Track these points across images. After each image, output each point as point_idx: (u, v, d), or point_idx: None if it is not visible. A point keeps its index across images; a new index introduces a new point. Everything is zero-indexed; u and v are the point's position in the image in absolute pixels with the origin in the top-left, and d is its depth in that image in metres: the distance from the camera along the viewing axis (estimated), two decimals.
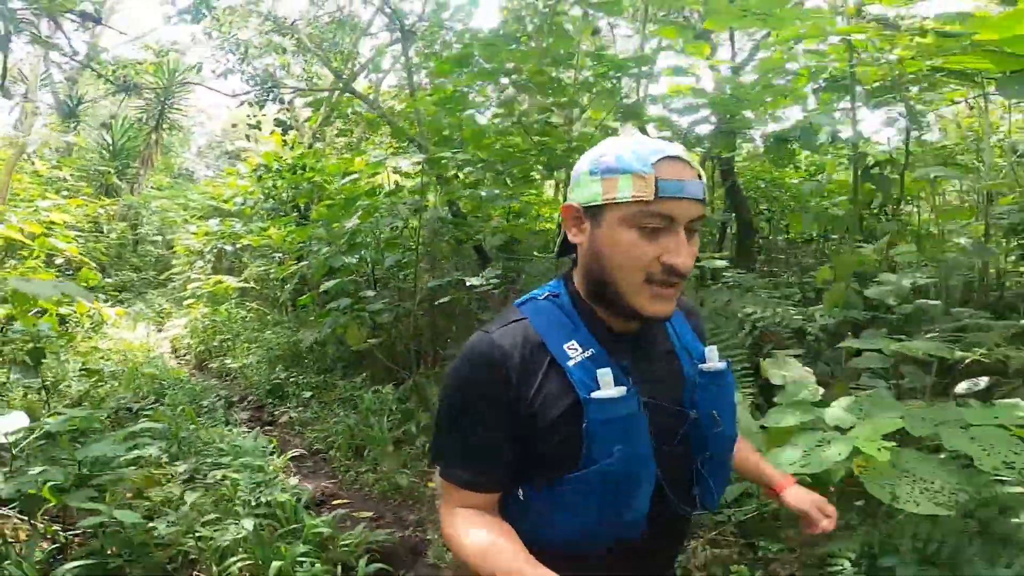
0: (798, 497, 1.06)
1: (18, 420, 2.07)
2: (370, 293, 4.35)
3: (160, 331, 7.80)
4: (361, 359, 4.79)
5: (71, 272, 6.53)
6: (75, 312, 4.87)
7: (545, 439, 0.85)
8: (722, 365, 0.96)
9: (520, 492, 0.91)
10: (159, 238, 13.60)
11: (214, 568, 2.11)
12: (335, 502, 2.92)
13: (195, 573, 2.19)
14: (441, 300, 4.15)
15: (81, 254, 5.77)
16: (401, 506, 2.98)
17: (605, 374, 0.84)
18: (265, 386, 4.85)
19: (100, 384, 4.28)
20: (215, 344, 6.33)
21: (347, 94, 4.97)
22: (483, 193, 4.05)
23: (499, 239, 4.30)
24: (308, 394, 4.55)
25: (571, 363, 0.86)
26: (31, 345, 3.22)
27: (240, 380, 5.31)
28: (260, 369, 5.25)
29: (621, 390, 0.84)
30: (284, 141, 5.90)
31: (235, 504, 2.45)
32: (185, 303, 7.95)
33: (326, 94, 5.32)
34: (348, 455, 3.51)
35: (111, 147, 14.33)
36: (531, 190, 4.56)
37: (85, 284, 4.58)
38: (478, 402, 0.87)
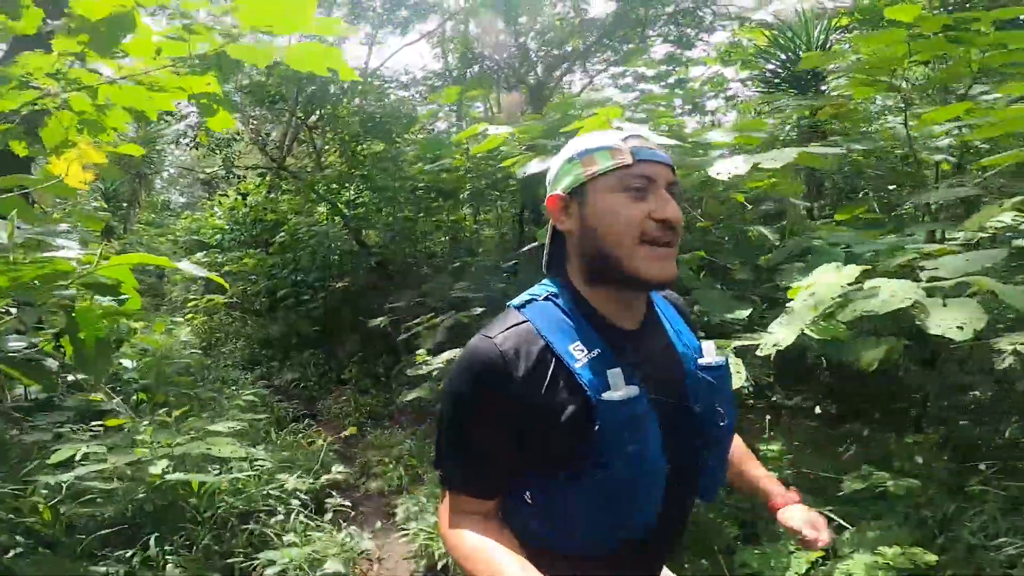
0: (792, 516, 1.00)
1: None
2: (305, 298, 7.09)
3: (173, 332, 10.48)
4: (310, 340, 7.54)
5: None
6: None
7: (556, 443, 0.85)
8: (720, 359, 0.96)
9: (528, 495, 0.90)
10: (151, 267, 16.07)
11: None
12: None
13: None
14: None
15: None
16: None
17: (616, 375, 0.84)
18: (252, 356, 7.62)
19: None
20: (213, 341, 9.04)
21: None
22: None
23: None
24: (275, 363, 7.30)
25: (578, 364, 0.85)
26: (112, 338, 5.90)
27: (233, 359, 8.05)
28: (244, 352, 7.99)
29: (633, 390, 0.83)
30: (245, 201, 8.59)
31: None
32: (186, 316, 10.64)
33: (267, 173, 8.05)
34: (310, 387, 6.28)
35: (104, 191, 16.75)
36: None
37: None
38: (483, 408, 0.87)
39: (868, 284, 1.69)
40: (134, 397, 3.14)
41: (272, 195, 8.77)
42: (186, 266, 1.33)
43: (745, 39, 6.85)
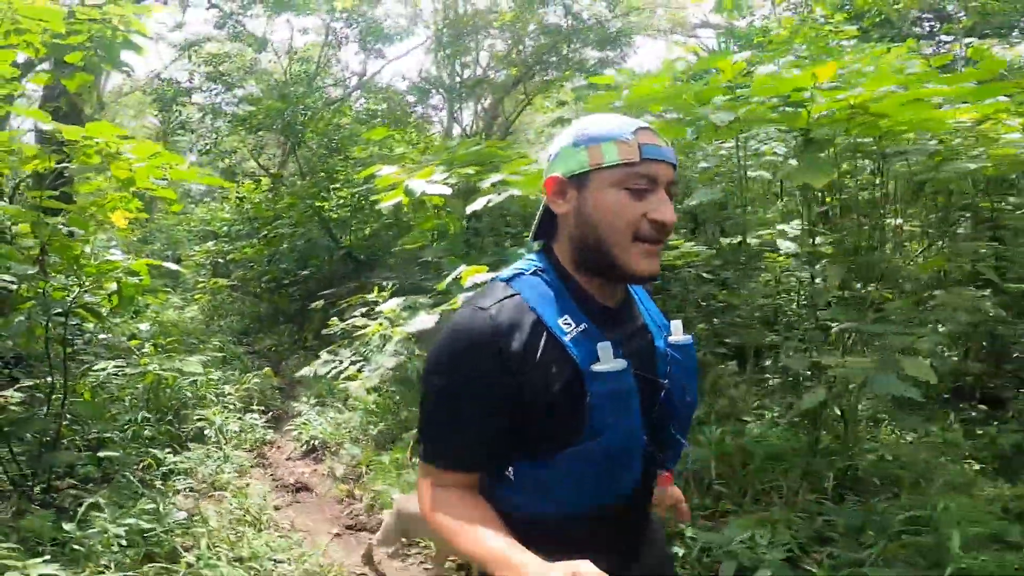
0: (674, 493, 1.14)
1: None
2: (286, 282, 8.81)
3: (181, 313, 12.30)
4: (289, 316, 9.27)
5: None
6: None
7: (547, 414, 0.87)
8: (687, 339, 1.01)
9: (510, 471, 0.91)
10: (168, 253, 18.10)
11: None
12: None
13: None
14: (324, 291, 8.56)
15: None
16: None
17: (606, 348, 0.86)
18: (245, 328, 9.39)
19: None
20: (215, 316, 10.83)
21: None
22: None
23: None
24: (261, 333, 9.05)
25: (568, 338, 0.88)
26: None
27: (231, 329, 9.83)
28: (239, 325, 9.75)
29: (621, 363, 0.87)
30: (242, 202, 10.36)
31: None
32: (194, 296, 12.42)
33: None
34: (281, 350, 7.99)
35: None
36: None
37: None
38: (479, 381, 0.87)
39: None
40: (146, 348, 4.80)
41: (272, 195, 10.51)
42: (169, 265, 2.98)
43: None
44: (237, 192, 10.18)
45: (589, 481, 0.88)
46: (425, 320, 3.39)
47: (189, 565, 2.22)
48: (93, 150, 2.80)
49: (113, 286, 2.76)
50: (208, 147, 10.69)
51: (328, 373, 3.93)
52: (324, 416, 4.37)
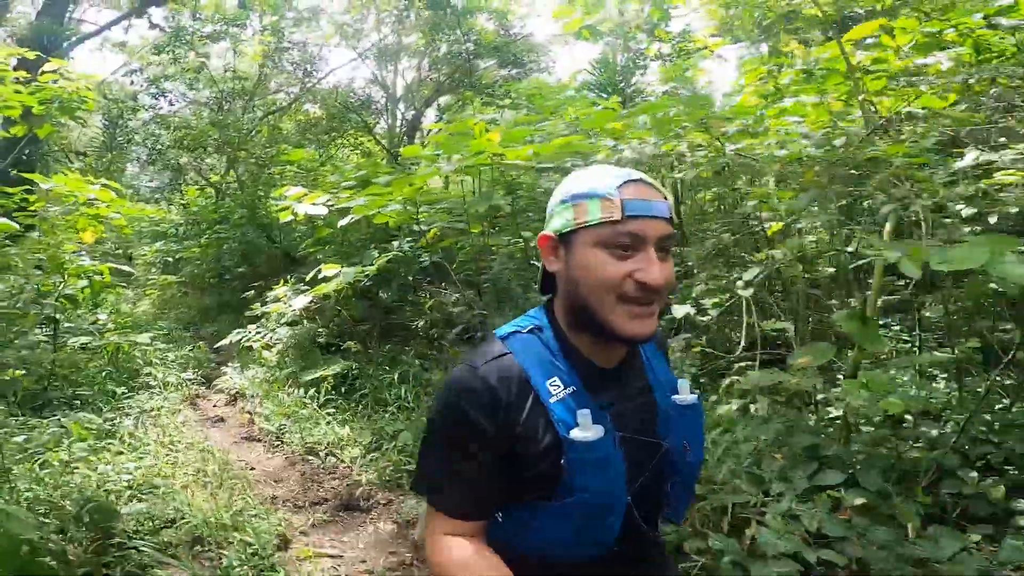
0: None
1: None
2: (227, 278, 10.28)
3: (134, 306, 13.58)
4: (232, 306, 10.73)
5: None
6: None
7: (527, 470, 0.91)
8: (693, 398, 1.01)
9: (499, 515, 0.97)
10: (119, 251, 19.17)
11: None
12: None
13: None
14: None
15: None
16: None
17: (584, 415, 0.88)
18: (192, 319, 10.83)
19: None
20: (166, 309, 12.20)
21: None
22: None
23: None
24: (206, 322, 10.51)
25: (553, 400, 0.91)
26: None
27: (180, 320, 11.25)
28: (190, 315, 11.18)
29: (599, 431, 0.88)
30: (185, 208, 11.73)
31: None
32: (145, 292, 13.70)
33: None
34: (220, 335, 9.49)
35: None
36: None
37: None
38: (465, 434, 0.90)
39: None
40: (108, 326, 6.28)
41: (216, 200, 11.90)
42: (122, 267, 4.54)
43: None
44: (181, 199, 11.54)
45: (566, 532, 0.92)
46: (301, 300, 5.05)
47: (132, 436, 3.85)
48: (66, 194, 4.34)
49: (84, 282, 4.31)
50: (153, 157, 12.04)
51: (240, 341, 5.55)
52: (243, 375, 5.97)
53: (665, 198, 0.90)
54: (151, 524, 2.82)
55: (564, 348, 0.96)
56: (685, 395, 1.01)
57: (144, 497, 3.08)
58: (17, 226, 3.86)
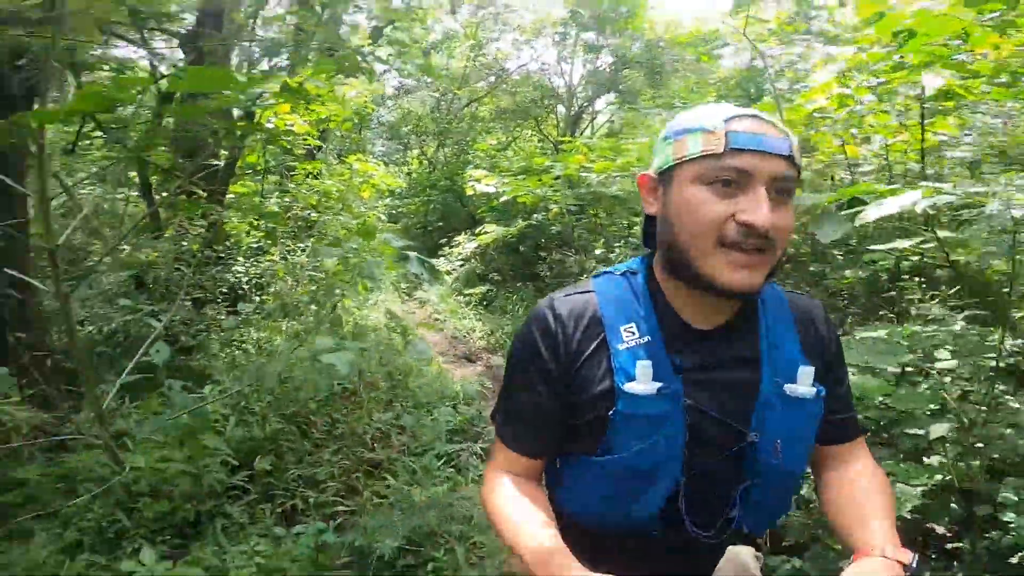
0: (859, 570, 0.78)
1: None
2: (430, 229, 14.13)
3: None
4: (429, 248, 14.64)
5: None
6: None
7: (579, 415, 0.86)
8: (808, 392, 0.86)
9: (557, 461, 0.93)
10: (356, 203, 24.96)
11: None
12: None
13: None
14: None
15: None
16: None
17: (644, 367, 0.82)
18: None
19: None
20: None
21: None
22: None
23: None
24: None
25: (622, 346, 0.84)
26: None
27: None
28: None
29: (654, 387, 0.81)
30: (408, 175, 15.92)
31: None
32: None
33: None
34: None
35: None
36: None
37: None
38: (528, 364, 0.89)
39: None
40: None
41: (429, 170, 15.89)
42: (390, 238, 8.01)
43: None
44: (406, 168, 15.72)
45: (597, 495, 0.88)
46: (471, 246, 8.17)
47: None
48: (349, 172, 7.88)
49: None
50: (390, 135, 16.39)
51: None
52: (430, 289, 9.36)
53: (786, 135, 0.80)
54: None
55: (653, 296, 0.89)
56: (799, 386, 0.85)
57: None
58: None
